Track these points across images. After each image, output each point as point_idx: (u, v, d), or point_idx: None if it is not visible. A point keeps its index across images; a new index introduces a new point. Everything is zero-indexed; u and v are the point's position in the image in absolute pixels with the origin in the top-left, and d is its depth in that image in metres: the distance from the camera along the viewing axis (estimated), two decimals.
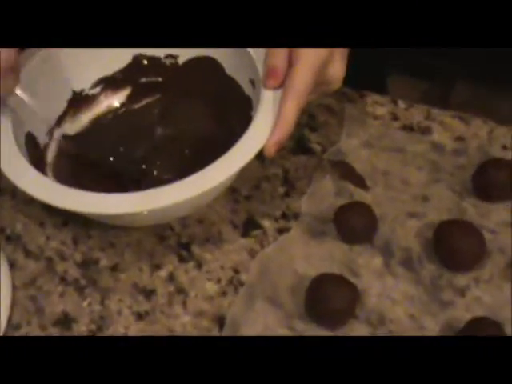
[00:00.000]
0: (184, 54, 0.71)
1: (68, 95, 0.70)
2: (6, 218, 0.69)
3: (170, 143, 0.70)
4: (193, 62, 0.71)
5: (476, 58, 0.86)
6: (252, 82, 0.65)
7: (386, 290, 0.60)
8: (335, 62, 0.60)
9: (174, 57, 0.71)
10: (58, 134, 0.69)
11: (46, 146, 0.68)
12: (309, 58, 0.58)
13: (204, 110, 0.70)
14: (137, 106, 0.72)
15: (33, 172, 0.60)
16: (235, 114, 0.67)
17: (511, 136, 0.68)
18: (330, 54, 0.59)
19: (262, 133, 0.59)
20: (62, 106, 0.70)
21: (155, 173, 0.67)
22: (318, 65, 0.58)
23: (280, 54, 0.60)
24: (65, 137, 0.69)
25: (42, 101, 0.65)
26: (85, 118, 0.71)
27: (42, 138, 0.67)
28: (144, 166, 0.67)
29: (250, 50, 0.64)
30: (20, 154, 0.61)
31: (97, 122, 0.71)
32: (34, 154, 0.65)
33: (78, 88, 0.70)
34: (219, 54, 0.69)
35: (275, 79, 0.60)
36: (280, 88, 0.60)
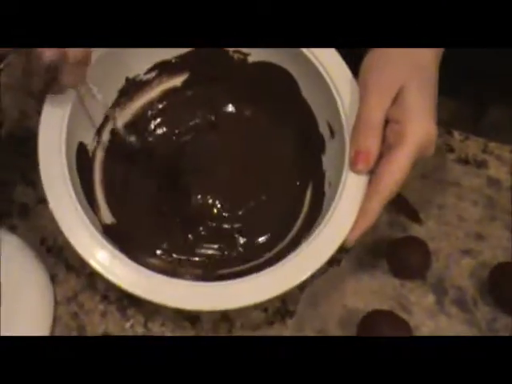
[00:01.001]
0: (254, 54, 0.64)
1: (121, 84, 0.64)
2: (47, 227, 0.67)
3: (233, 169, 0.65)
4: (265, 67, 0.64)
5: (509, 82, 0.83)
6: (329, 126, 0.60)
7: (438, 329, 0.59)
8: (432, 144, 0.53)
9: (244, 54, 0.64)
10: (107, 131, 0.64)
11: (95, 149, 0.64)
12: (411, 145, 0.50)
13: (273, 130, 0.65)
14: (190, 93, 0.67)
15: (83, 223, 0.55)
16: (306, 149, 0.64)
17: None
18: (433, 136, 0.53)
19: (344, 225, 0.53)
20: (113, 96, 0.64)
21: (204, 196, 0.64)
22: (418, 151, 0.51)
23: (375, 135, 0.52)
24: (113, 131, 0.65)
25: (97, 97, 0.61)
26: (135, 104, 0.66)
27: (91, 144, 0.63)
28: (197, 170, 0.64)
29: (333, 89, 0.57)
30: (71, 188, 0.56)
31: (147, 109, 0.66)
32: (83, 163, 0.61)
33: (131, 75, 0.64)
34: (297, 73, 0.62)
35: (365, 165, 0.52)
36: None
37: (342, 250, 0.62)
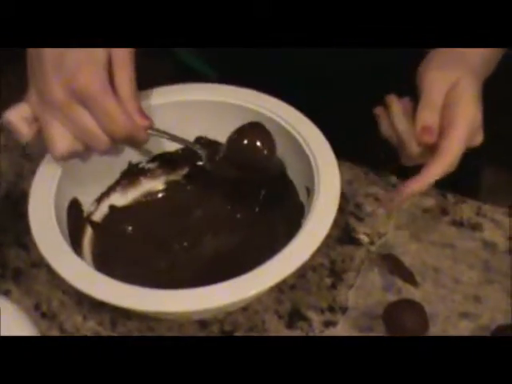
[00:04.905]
0: None
1: (123, 166, 0.69)
2: (41, 293, 0.67)
3: (214, 229, 0.68)
4: None
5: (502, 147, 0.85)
6: (307, 190, 0.63)
7: None
8: (479, 131, 0.61)
9: None
10: (104, 203, 0.68)
11: (90, 215, 0.67)
12: (466, 122, 0.60)
13: (251, 197, 0.69)
14: (190, 187, 0.71)
15: (71, 256, 0.57)
16: (286, 217, 0.66)
17: None
18: (479, 121, 0.61)
19: (320, 230, 0.57)
20: (115, 176, 0.69)
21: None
22: (472, 129, 0.60)
23: (434, 112, 0.61)
24: (112, 208, 0.68)
25: (97, 168, 0.65)
26: (136, 191, 0.70)
27: (87, 206, 0.66)
28: (186, 244, 0.66)
29: (311, 158, 0.62)
30: (58, 229, 0.58)
31: (147, 198, 0.70)
32: (76, 221, 0.64)
33: (134, 160, 0.69)
34: (284, 155, 0.67)
35: (430, 136, 0.60)
36: (334, 196, 0.60)
37: (340, 310, 0.63)
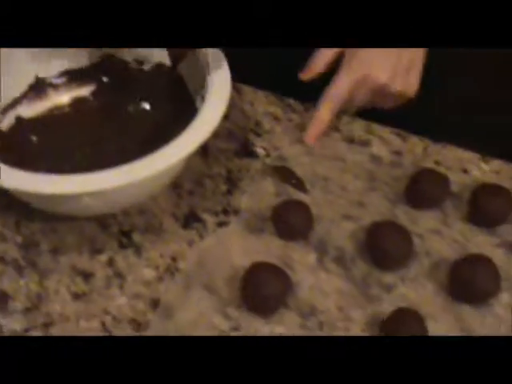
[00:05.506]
0: (149, 61, 0.74)
1: (30, 79, 0.72)
2: None
3: (118, 139, 0.72)
4: (158, 70, 0.74)
5: None
6: (202, 97, 0.67)
7: (317, 283, 0.63)
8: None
9: (141, 62, 0.74)
10: (11, 114, 0.71)
11: None
12: (349, 71, 0.69)
13: (154, 113, 0.73)
14: (96, 103, 0.74)
15: None
16: (184, 124, 0.68)
17: (444, 152, 0.72)
18: (374, 69, 0.68)
19: (206, 126, 0.62)
20: (22, 88, 0.72)
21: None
22: (356, 78, 0.68)
23: (323, 58, 0.69)
24: (18, 118, 0.71)
25: (2, 79, 0.68)
26: (43, 104, 0.73)
27: None
28: (88, 151, 0.70)
29: (206, 69, 0.67)
30: None
31: (54, 112, 0.73)
32: None
33: (42, 74, 0.72)
34: (185, 69, 0.71)
35: (306, 75, 0.70)
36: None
37: (233, 213, 0.67)
